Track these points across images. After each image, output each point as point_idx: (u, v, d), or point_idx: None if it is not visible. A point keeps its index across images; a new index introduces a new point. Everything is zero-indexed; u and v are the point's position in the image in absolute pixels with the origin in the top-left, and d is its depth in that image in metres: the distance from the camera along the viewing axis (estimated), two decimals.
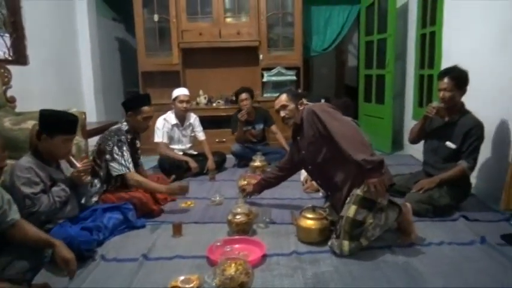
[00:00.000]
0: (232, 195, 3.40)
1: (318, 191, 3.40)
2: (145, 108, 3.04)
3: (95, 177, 2.97)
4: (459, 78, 2.85)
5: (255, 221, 2.70)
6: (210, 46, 5.21)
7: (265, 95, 5.34)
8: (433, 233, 2.51)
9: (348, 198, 2.27)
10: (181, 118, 4.16)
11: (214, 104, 5.38)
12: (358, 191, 2.23)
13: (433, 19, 4.23)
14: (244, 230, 2.55)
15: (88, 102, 5.65)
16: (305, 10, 5.39)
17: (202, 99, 5.41)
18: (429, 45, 4.35)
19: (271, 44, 5.33)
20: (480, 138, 2.84)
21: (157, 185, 3.11)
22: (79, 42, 5.52)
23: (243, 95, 4.35)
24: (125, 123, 3.09)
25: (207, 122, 5.17)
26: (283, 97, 2.61)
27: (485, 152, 3.17)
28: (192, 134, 4.29)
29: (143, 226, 2.75)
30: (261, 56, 5.25)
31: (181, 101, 4.04)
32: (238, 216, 2.55)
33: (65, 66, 5.13)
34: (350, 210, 2.20)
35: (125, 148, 2.95)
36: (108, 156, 2.92)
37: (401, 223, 2.35)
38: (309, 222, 2.41)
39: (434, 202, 2.77)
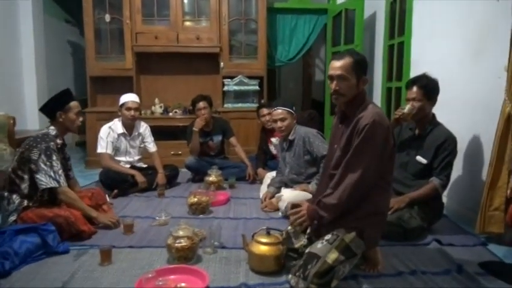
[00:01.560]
0: (180, 214, 2.99)
1: (277, 210, 3.04)
2: (74, 103, 2.70)
3: (13, 192, 2.50)
4: (428, 87, 2.61)
5: (201, 245, 2.30)
6: (166, 51, 4.83)
7: (226, 105, 4.98)
8: (404, 260, 2.20)
9: (329, 237, 1.90)
10: (129, 127, 3.72)
11: (170, 114, 4.97)
12: (346, 236, 1.88)
13: (401, 29, 4.04)
14: (186, 256, 2.15)
15: (30, 108, 5.12)
16: (270, 18, 5.13)
17: (157, 108, 4.99)
18: (397, 56, 4.16)
19: (233, 51, 5.02)
20: (453, 152, 2.59)
21: (89, 208, 2.65)
22: (21, 45, 5.03)
23: (201, 104, 3.98)
24: (52, 127, 2.64)
25: (162, 133, 4.77)
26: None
27: (456, 168, 2.93)
28: (142, 145, 3.85)
29: (66, 251, 2.29)
30: (221, 64, 4.91)
31: (129, 108, 3.61)
32: (179, 240, 2.15)
33: (4, 69, 4.63)
34: (330, 255, 1.82)
35: (54, 157, 2.51)
36: (33, 167, 2.46)
37: (367, 251, 2.02)
38: (262, 248, 2.04)
39: (404, 224, 2.47)
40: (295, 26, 5.40)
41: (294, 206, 2.09)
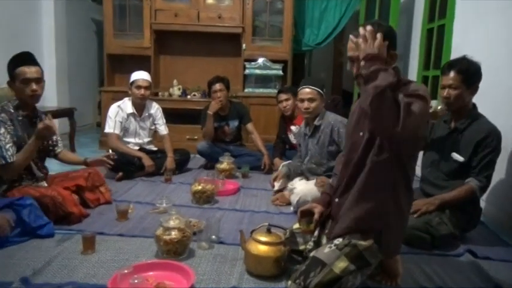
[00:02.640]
0: (183, 202, 2.76)
1: (289, 204, 2.75)
2: (21, 68, 2.24)
3: None
4: (469, 72, 2.19)
5: (196, 238, 2.05)
6: (186, 30, 4.59)
7: (246, 90, 4.70)
8: (429, 273, 1.86)
9: (339, 241, 1.59)
10: (140, 107, 3.51)
11: (188, 97, 4.75)
12: (360, 242, 1.56)
13: (442, 11, 3.60)
14: (176, 251, 1.90)
15: (48, 85, 5.01)
16: None
17: (175, 90, 4.78)
18: (436, 41, 3.73)
19: (256, 33, 4.71)
20: (496, 150, 2.19)
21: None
22: (42, 22, 4.94)
23: (217, 86, 3.72)
24: (14, 98, 2.38)
25: (179, 117, 4.59)
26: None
27: (498, 168, 2.53)
28: (152, 127, 3.64)
29: (50, 235, 2.09)
30: (244, 45, 4.62)
31: (139, 87, 3.40)
32: (169, 232, 1.90)
33: (23, 45, 4.54)
34: (338, 263, 1.51)
35: (2, 131, 2.21)
36: None
37: (385, 260, 1.70)
38: (261, 247, 1.76)
39: (433, 230, 2.12)
40: (325, 7, 5.01)
41: (304, 213, 1.79)
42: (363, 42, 1.43)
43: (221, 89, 3.72)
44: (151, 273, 1.68)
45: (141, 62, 4.62)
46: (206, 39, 4.77)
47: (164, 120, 3.68)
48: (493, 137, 2.16)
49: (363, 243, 1.57)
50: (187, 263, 1.84)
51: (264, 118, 4.56)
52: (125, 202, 2.63)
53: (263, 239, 1.77)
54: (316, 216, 1.73)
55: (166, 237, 1.88)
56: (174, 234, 1.90)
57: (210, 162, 3.75)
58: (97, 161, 2.67)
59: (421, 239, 2.12)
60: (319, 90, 2.75)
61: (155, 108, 3.62)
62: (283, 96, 3.63)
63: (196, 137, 4.45)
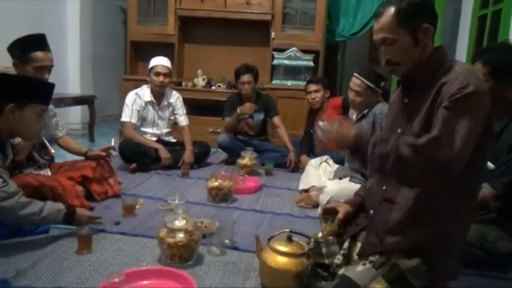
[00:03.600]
0: (198, 200, 2.50)
1: (316, 206, 2.44)
2: (37, 54, 2.08)
3: None
4: (500, 63, 1.71)
5: (208, 242, 1.79)
6: (212, 16, 4.34)
7: (274, 82, 4.40)
8: None
9: (376, 258, 1.28)
10: (159, 95, 3.29)
11: (213, 87, 4.50)
12: (402, 261, 1.24)
13: None
14: (181, 256, 1.64)
15: (72, 73, 4.93)
16: None
17: (200, 81, 4.54)
18: (490, 30, 3.31)
19: (286, 20, 4.39)
20: None
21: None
22: (67, 8, 4.82)
23: (245, 77, 3.45)
24: None
25: (203, 108, 4.37)
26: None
27: None
28: (172, 117, 3.41)
29: (45, 231, 1.88)
30: (273, 34, 4.32)
31: (158, 73, 3.17)
32: (174, 234, 1.64)
33: (48, 32, 4.42)
34: (375, 285, 1.21)
35: None
36: None
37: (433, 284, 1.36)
38: (279, 259, 1.46)
39: (490, 246, 1.75)
40: None
41: (327, 211, 1.49)
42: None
43: (249, 81, 3.45)
44: (145, 282, 1.42)
45: (165, 50, 4.38)
46: (233, 26, 4.50)
47: (184, 111, 3.44)
48: None
49: (406, 262, 1.25)
50: (193, 271, 1.58)
51: (292, 112, 4.25)
52: (134, 196, 2.42)
53: (282, 248, 1.47)
54: (340, 215, 1.43)
55: (171, 240, 1.62)
56: (179, 236, 1.64)
57: (232, 157, 3.48)
58: (97, 155, 2.43)
59: (475, 257, 1.75)
60: (371, 84, 2.35)
61: (175, 97, 3.39)
62: (312, 87, 3.31)
63: (219, 130, 4.18)
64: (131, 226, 2.03)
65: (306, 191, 2.65)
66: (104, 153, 2.43)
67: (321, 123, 3.41)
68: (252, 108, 3.41)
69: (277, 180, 3.10)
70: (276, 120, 3.58)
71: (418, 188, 1.25)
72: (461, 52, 3.85)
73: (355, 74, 2.41)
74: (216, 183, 2.46)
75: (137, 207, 2.27)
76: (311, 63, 4.32)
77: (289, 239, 1.51)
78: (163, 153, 3.13)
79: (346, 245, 1.47)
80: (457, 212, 1.26)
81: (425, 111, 1.27)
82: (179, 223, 1.66)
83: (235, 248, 1.84)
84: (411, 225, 1.26)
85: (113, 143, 2.58)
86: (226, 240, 1.85)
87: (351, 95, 2.43)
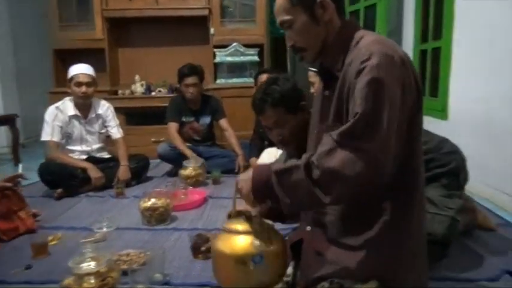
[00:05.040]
0: (132, 224, 2.16)
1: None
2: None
3: None
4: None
5: (132, 279, 1.46)
6: (143, 15, 3.97)
7: (218, 81, 4.09)
8: None
9: (325, 286, 1.04)
10: (84, 107, 2.90)
11: (153, 93, 4.14)
12: (356, 286, 1.01)
13: None
14: None
15: None
16: None
17: (138, 87, 4.16)
18: (435, 7, 3.16)
19: (225, 14, 4.09)
20: None
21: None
22: None
23: (190, 80, 3.13)
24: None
25: (144, 116, 4.02)
26: None
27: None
28: (103, 131, 3.02)
29: None
30: (212, 30, 4.01)
31: (79, 84, 2.78)
32: (82, 281, 1.30)
33: None
34: None
35: None
36: None
37: None
38: (234, 243, 1.06)
39: (432, 238, 1.51)
40: None
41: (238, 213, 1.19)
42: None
43: (195, 83, 3.14)
44: None
45: (95, 57, 3.99)
46: (168, 25, 4.16)
47: (117, 122, 3.06)
48: None
49: (361, 286, 1.00)
50: None
51: (240, 112, 3.93)
52: (55, 229, 2.05)
53: (239, 226, 1.09)
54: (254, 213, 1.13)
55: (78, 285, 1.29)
56: (89, 283, 1.30)
57: (176, 168, 3.14)
58: (0, 187, 2.01)
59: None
60: None
61: (105, 108, 3.00)
62: (264, 77, 3.03)
63: (163, 139, 3.84)
64: (42, 270, 1.66)
65: (249, 217, 2.36)
66: (8, 184, 2.03)
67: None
68: (194, 133, 3.19)
69: (225, 188, 2.80)
70: (224, 123, 3.29)
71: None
72: (408, 30, 3.70)
73: (310, 68, 2.18)
74: (149, 203, 2.13)
75: (53, 243, 1.90)
76: (256, 58, 4.05)
77: (249, 219, 1.10)
78: (93, 173, 2.75)
79: (290, 269, 1.21)
80: (399, 214, 1.02)
81: (335, 102, 1.04)
82: (87, 266, 1.33)
83: (166, 284, 1.52)
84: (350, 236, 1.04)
85: (20, 170, 2.19)
86: (157, 275, 1.54)
87: (312, 89, 2.22)
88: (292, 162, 0.99)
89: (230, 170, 3.11)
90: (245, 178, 1.06)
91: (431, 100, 3.19)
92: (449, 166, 1.66)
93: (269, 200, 1.03)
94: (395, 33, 3.72)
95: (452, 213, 1.54)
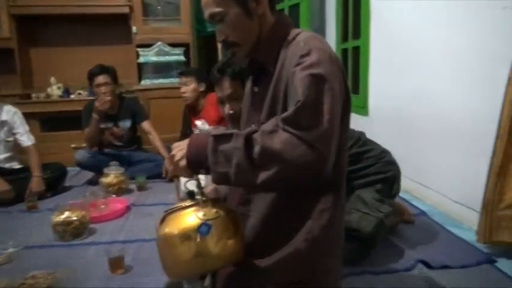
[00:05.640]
0: (43, 241, 1.97)
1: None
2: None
3: None
4: None
5: None
6: (56, 13, 3.67)
7: (143, 82, 3.92)
8: None
9: None
10: None
11: (72, 96, 3.86)
12: None
13: None
14: None
15: None
16: None
17: (54, 90, 3.85)
18: (354, 7, 3.27)
19: (148, 12, 3.91)
20: None
21: None
22: None
23: (100, 78, 2.93)
24: None
25: (61, 121, 3.75)
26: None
27: (446, 150, 2.12)
28: (10, 139, 2.74)
29: None
30: (134, 28, 3.82)
31: None
32: None
33: None
34: None
35: None
36: None
37: None
38: (176, 221, 0.95)
39: (356, 234, 1.58)
40: None
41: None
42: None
43: (106, 82, 2.93)
44: None
45: (3, 58, 3.65)
46: (86, 23, 3.89)
47: (27, 128, 2.79)
48: None
49: None
50: None
51: (169, 113, 3.80)
52: None
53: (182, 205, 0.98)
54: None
55: None
56: None
57: (98, 176, 2.93)
58: None
59: (350, 251, 1.56)
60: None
61: (10, 114, 2.72)
62: (181, 80, 2.94)
63: (84, 145, 3.58)
64: None
65: (192, 194, 2.27)
66: None
67: (198, 122, 3.07)
68: (101, 105, 2.86)
69: (150, 195, 2.67)
70: (146, 125, 3.13)
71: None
72: (330, 30, 3.81)
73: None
74: (62, 217, 1.95)
75: None
76: (182, 58, 3.93)
77: (191, 195, 0.99)
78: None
79: (207, 281, 1.15)
80: (323, 216, 1.02)
81: (270, 98, 1.03)
82: None
83: None
84: (270, 240, 1.02)
85: None
86: None
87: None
88: (235, 131, 0.93)
89: (157, 175, 2.97)
90: (180, 144, 0.98)
91: (353, 97, 3.29)
92: (387, 174, 1.77)
93: (203, 169, 0.95)
94: (319, 32, 3.81)
95: (381, 216, 1.60)
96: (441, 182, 2.21)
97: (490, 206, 1.61)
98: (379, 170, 1.78)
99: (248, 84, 1.22)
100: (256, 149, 0.87)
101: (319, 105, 0.88)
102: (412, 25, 2.41)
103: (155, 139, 3.09)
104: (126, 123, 3.13)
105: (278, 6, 3.99)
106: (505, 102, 1.56)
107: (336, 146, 0.92)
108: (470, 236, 1.76)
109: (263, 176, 0.87)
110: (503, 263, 1.59)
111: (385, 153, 1.85)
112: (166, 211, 1.00)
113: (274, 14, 1.08)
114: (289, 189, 1.00)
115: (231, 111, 1.54)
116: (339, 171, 1.03)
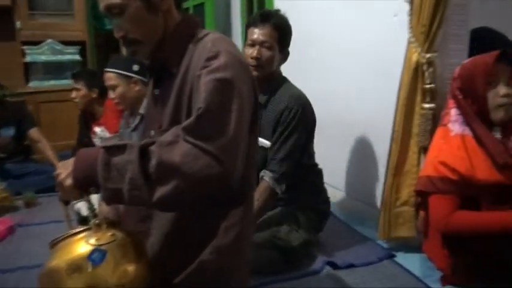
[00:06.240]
0: None
1: None
2: None
3: None
4: (285, 30, 1.71)
5: None
6: None
7: (31, 84, 3.50)
8: None
9: None
10: None
11: None
12: None
13: None
14: None
15: None
16: None
17: None
18: (258, 9, 3.27)
19: (34, 6, 3.49)
20: (295, 125, 1.62)
21: None
22: None
23: None
24: None
25: None
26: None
27: (343, 148, 2.19)
28: None
29: None
30: (18, 23, 3.38)
31: None
32: None
33: None
34: None
35: None
36: None
37: None
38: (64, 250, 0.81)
39: (282, 243, 1.58)
40: None
41: None
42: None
43: None
44: None
45: None
46: None
47: None
48: (292, 106, 1.62)
49: None
50: None
51: (63, 119, 3.45)
52: None
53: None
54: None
55: None
56: None
57: None
58: None
59: (270, 259, 1.54)
60: (124, 72, 1.86)
61: None
62: (73, 85, 2.66)
63: None
64: None
65: (84, 220, 2.04)
66: None
67: (98, 129, 2.82)
68: None
69: (40, 212, 2.36)
70: (34, 133, 2.79)
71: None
72: (237, 33, 3.79)
73: (105, 69, 1.92)
74: None
75: None
76: (77, 57, 3.59)
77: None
78: None
79: None
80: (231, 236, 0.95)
81: (173, 103, 0.93)
82: None
83: None
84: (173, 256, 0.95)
85: None
86: None
87: (112, 94, 1.95)
88: (129, 141, 0.83)
89: (49, 189, 2.64)
90: (67, 161, 0.84)
91: None
92: (326, 211, 1.83)
93: (93, 187, 0.82)
94: (225, 33, 3.75)
95: (309, 236, 1.63)
96: (346, 182, 2.29)
97: (388, 204, 1.70)
98: (321, 201, 1.81)
99: (149, 86, 1.11)
100: (153, 162, 0.77)
101: (224, 113, 0.81)
102: (317, 27, 2.46)
103: (45, 148, 2.76)
104: (9, 132, 2.75)
105: (183, 5, 3.87)
106: (398, 107, 1.65)
107: (243, 158, 0.85)
108: (373, 234, 1.84)
109: (160, 192, 0.77)
110: (401, 257, 1.69)
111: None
112: (51, 242, 0.84)
113: (180, 12, 0.99)
114: (190, 208, 0.91)
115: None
116: (247, 184, 0.97)
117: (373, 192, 1.85)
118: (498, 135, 1.25)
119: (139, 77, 1.87)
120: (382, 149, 1.75)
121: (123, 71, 1.85)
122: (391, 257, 1.69)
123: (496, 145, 1.23)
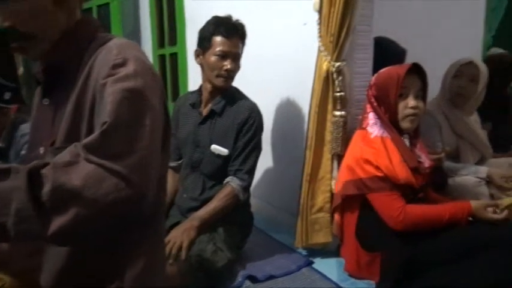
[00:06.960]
0: None
1: None
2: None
3: None
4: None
5: None
6: None
7: None
8: None
9: None
10: None
11: None
12: None
13: None
14: None
15: None
16: None
17: None
18: (168, 14, 3.15)
19: None
20: (257, 136, 1.70)
21: None
22: None
23: None
24: None
25: None
26: None
27: (264, 156, 2.16)
28: None
29: None
30: None
31: None
32: None
33: None
34: None
35: None
36: None
37: None
38: None
39: (208, 264, 1.48)
40: None
41: None
42: None
43: None
44: None
45: None
46: None
47: None
48: (254, 118, 1.67)
49: None
50: None
51: None
52: None
53: None
54: None
55: None
56: None
57: None
58: None
59: (195, 281, 1.44)
60: None
61: None
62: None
63: None
64: None
65: None
66: None
67: None
68: None
69: None
70: None
71: None
72: (146, 36, 3.59)
73: None
74: None
75: None
76: None
77: None
78: None
79: None
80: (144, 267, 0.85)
81: (70, 114, 0.79)
82: None
83: None
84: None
85: None
86: None
87: None
88: (13, 165, 0.66)
89: None
90: None
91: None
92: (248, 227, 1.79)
93: None
94: (133, 36, 3.56)
95: (233, 256, 1.56)
96: (264, 190, 2.27)
97: (305, 210, 1.70)
98: (247, 217, 1.78)
99: (36, 95, 0.93)
100: (46, 188, 0.64)
101: (134, 127, 0.71)
102: None
103: None
104: None
105: (85, 5, 3.58)
106: (310, 115, 1.67)
107: (156, 177, 0.75)
108: (291, 241, 1.83)
109: (57, 224, 0.64)
110: (319, 263, 1.70)
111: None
112: None
113: (80, 13, 0.86)
114: (94, 239, 0.78)
115: None
116: (158, 207, 0.87)
117: (291, 200, 1.85)
118: (407, 142, 1.34)
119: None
120: (298, 155, 1.75)
121: None
122: (310, 264, 1.69)
123: (407, 150, 1.31)
